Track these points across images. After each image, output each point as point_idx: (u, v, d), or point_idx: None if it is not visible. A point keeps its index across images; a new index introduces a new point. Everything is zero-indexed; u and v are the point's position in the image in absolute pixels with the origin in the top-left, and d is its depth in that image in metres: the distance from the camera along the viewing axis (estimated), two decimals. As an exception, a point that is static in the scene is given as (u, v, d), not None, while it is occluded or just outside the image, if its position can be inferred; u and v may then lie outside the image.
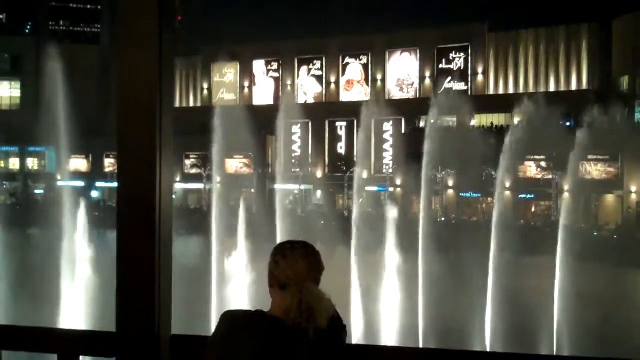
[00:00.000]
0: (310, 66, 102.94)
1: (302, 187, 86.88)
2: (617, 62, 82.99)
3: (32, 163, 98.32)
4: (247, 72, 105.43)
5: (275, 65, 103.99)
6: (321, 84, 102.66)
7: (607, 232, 66.82)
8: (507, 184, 75.21)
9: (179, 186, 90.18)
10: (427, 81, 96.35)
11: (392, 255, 34.53)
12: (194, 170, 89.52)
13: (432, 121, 50.30)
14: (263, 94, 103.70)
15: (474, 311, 31.08)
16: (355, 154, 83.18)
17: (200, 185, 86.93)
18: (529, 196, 76.21)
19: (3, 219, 38.46)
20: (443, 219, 74.31)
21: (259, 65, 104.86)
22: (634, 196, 72.80)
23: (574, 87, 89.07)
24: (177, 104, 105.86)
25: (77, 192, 37.74)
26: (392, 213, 37.12)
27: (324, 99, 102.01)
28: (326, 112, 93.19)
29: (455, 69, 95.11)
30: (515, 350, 25.19)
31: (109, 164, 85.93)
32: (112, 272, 4.07)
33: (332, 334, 3.59)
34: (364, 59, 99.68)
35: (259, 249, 32.96)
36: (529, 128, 76.35)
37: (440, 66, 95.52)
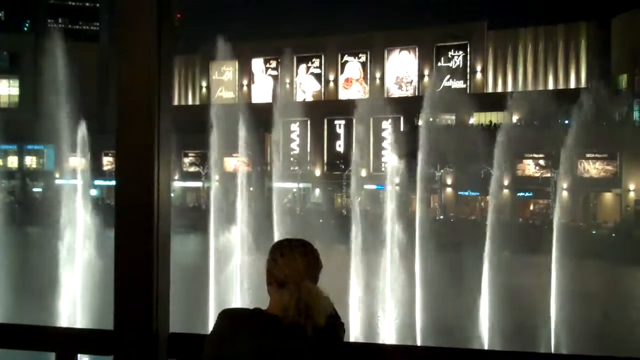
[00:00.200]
0: (309, 64, 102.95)
1: (301, 185, 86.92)
2: (615, 61, 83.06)
3: (30, 161, 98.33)
4: (245, 70, 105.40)
5: (274, 64, 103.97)
6: (320, 82, 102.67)
7: (605, 230, 66.93)
8: (506, 182, 75.35)
9: (177, 184, 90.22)
10: (426, 79, 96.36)
11: (389, 253, 34.54)
12: (192, 169, 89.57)
13: (430, 119, 50.26)
14: (262, 92, 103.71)
15: (472, 309, 31.11)
16: (353, 152, 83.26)
17: (198, 184, 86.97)
18: (527, 194, 76.30)
19: (2, 217, 38.40)
20: (442, 217, 74.39)
21: (257, 64, 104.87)
22: (632, 194, 72.89)
23: (572, 85, 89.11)
24: (175, 102, 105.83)
25: (76, 189, 37.63)
26: (390, 211, 37.10)
27: (322, 97, 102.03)
28: (325, 110, 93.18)
29: (454, 67, 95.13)
30: (514, 348, 25.20)
31: (108, 162, 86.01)
32: (110, 270, 4.06)
33: (330, 332, 3.59)
34: (363, 57, 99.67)
35: (257, 247, 32.98)
36: (528, 126, 76.57)
37: (439, 64, 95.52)
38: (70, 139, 39.52)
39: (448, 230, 53.64)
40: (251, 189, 43.82)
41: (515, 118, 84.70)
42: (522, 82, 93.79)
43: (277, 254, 3.64)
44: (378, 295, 32.72)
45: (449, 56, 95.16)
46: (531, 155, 76.12)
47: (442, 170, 76.52)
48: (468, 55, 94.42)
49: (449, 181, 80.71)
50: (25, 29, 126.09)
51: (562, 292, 31.70)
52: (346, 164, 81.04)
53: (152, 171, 3.99)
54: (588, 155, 73.72)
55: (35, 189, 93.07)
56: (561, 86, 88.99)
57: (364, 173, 64.56)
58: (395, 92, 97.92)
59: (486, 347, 28.41)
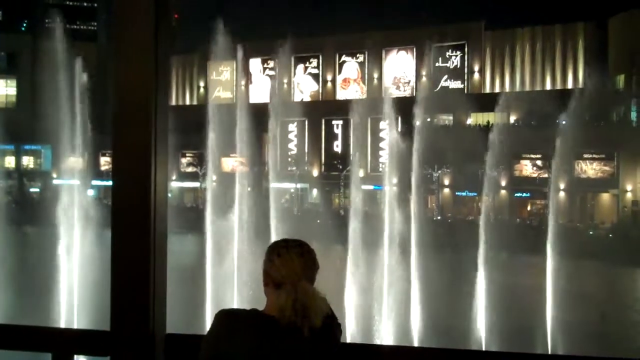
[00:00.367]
0: (307, 64, 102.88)
1: (299, 185, 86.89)
2: (613, 61, 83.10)
3: (27, 161, 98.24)
4: (243, 70, 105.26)
5: (271, 64, 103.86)
6: (318, 82, 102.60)
7: (602, 230, 67.01)
8: (503, 183, 75.41)
9: (175, 184, 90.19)
10: (424, 79, 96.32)
11: (386, 254, 34.54)
12: (190, 169, 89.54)
13: (428, 119, 50.31)
14: (260, 92, 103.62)
15: (469, 310, 31.12)
16: (351, 152, 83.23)
17: (196, 184, 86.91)
18: (524, 195, 76.39)
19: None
20: (439, 217, 74.41)
21: (255, 64, 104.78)
22: (629, 195, 72.98)
23: (570, 85, 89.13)
24: (173, 102, 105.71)
25: (73, 190, 37.62)
26: (387, 212, 37.11)
27: (320, 97, 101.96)
28: (322, 110, 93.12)
29: (451, 67, 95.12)
30: (510, 349, 25.21)
31: (105, 162, 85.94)
32: (107, 271, 4.06)
33: (326, 333, 3.59)
34: (361, 57, 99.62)
35: (255, 247, 32.97)
36: (525, 126, 76.65)
37: (437, 64, 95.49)
38: (68, 139, 39.48)
39: (445, 231, 53.62)
40: (249, 189, 43.79)
41: (512, 118, 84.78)
42: (520, 83, 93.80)
43: (273, 254, 3.64)
44: (375, 296, 32.71)
45: (447, 56, 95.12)
46: (528, 156, 76.22)
47: (439, 171, 76.58)
48: (465, 56, 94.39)
49: (446, 182, 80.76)
50: (23, 29, 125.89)
51: (559, 293, 31.73)
52: (344, 164, 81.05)
53: (149, 171, 3.99)
54: (585, 156, 73.85)
55: (32, 189, 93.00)
56: (559, 86, 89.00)
57: (361, 173, 64.46)
58: (393, 92, 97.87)
59: (483, 348, 28.42)
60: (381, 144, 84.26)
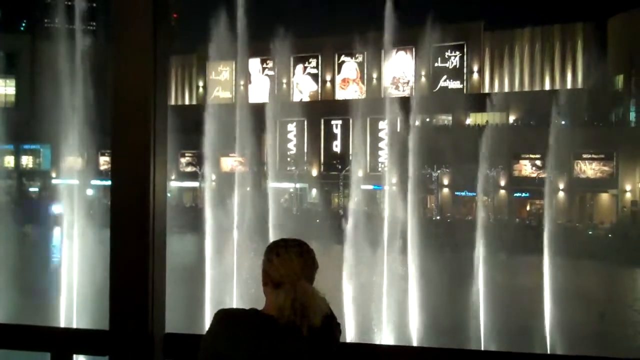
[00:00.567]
0: (306, 64, 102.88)
1: (298, 185, 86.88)
2: (612, 61, 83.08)
3: (27, 161, 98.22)
4: (242, 70, 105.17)
5: (270, 64, 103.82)
6: (317, 82, 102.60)
7: (601, 230, 67.04)
8: (502, 183, 75.43)
9: (174, 184, 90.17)
10: (423, 80, 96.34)
11: (386, 253, 34.54)
12: (189, 169, 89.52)
13: (427, 119, 50.36)
14: (259, 92, 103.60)
15: (468, 309, 31.13)
16: (350, 152, 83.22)
17: (195, 184, 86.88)
18: (524, 195, 76.39)
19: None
20: (438, 217, 74.42)
21: (254, 64, 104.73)
22: (628, 195, 73.01)
23: (569, 85, 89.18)
24: (172, 102, 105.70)
25: (72, 189, 37.62)
26: (386, 211, 37.13)
27: (319, 97, 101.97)
28: (322, 110, 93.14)
29: (450, 67, 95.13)
30: (509, 348, 25.22)
31: (104, 161, 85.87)
32: (105, 270, 4.06)
33: (326, 332, 3.58)
34: (360, 58, 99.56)
35: (254, 247, 32.96)
36: (524, 126, 76.68)
37: (436, 65, 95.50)
38: (67, 139, 39.45)
39: (444, 231, 53.61)
40: (248, 189, 43.81)
41: (512, 118, 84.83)
42: (519, 83, 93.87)
43: (272, 254, 3.64)
44: (373, 296, 32.72)
45: (446, 56, 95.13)
46: (528, 156, 76.22)
47: (438, 171, 76.57)
48: (465, 56, 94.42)
49: (445, 181, 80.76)
50: (22, 28, 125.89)
51: (558, 293, 31.74)
52: (343, 164, 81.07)
53: (147, 171, 3.99)
54: (584, 156, 73.88)
55: (31, 189, 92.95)
56: (558, 87, 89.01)
57: (360, 173, 64.48)
58: (392, 92, 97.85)
59: (482, 348, 28.43)
60: (380, 144, 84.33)
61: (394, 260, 33.99)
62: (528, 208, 77.60)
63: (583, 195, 74.35)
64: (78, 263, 31.62)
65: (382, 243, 34.99)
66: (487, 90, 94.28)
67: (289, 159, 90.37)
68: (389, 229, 35.52)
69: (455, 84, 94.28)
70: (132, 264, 3.97)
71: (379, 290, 32.91)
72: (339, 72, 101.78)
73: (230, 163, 76.19)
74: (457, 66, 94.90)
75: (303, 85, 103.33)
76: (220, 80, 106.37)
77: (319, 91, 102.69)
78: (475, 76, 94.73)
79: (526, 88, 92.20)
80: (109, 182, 4.12)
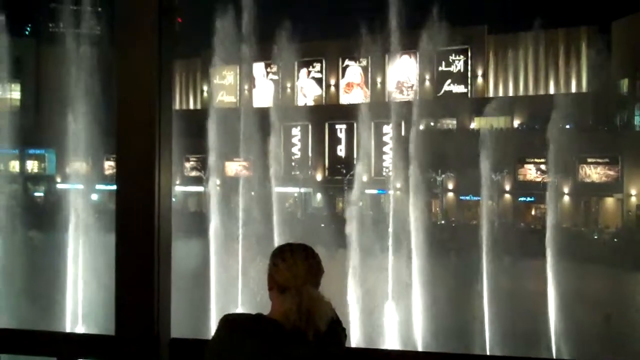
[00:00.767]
0: (310, 68, 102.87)
1: (302, 190, 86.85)
2: (616, 65, 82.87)
3: (32, 165, 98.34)
4: (247, 75, 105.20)
5: (274, 68, 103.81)
6: (321, 86, 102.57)
7: (607, 235, 66.84)
8: (507, 187, 75.31)
9: (179, 189, 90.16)
10: (427, 84, 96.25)
11: (391, 257, 34.52)
12: (194, 173, 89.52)
13: (432, 124, 50.37)
14: (263, 96, 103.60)
15: (474, 313, 31.08)
16: (355, 156, 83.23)
17: (200, 188, 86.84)
18: (528, 199, 76.19)
19: (3, 221, 38.44)
20: (443, 222, 74.31)
21: (258, 68, 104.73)
22: (633, 199, 72.77)
23: (573, 90, 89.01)
24: (176, 107, 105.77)
25: (77, 194, 37.70)
26: (391, 216, 37.11)
27: (323, 101, 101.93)
28: (326, 114, 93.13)
29: (455, 71, 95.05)
30: (515, 352, 25.18)
31: (109, 166, 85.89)
32: (111, 275, 4.05)
33: (331, 337, 3.58)
34: (364, 62, 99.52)
35: (258, 251, 32.96)
36: (529, 130, 76.54)
37: (440, 69, 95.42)
38: (72, 143, 39.54)
39: (449, 235, 53.56)
40: (252, 193, 43.83)
41: (516, 122, 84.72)
42: (523, 87, 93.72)
43: (278, 258, 3.64)
44: (378, 300, 32.69)
45: (450, 61, 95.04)
46: (532, 160, 76.03)
47: (443, 175, 76.46)
48: (469, 60, 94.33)
49: (450, 186, 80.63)
50: (27, 33, 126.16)
51: (564, 296, 31.67)
52: (347, 168, 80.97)
53: (152, 176, 3.98)
54: (589, 160, 73.71)
55: (36, 193, 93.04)
56: (562, 91, 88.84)
57: (365, 178, 64.47)
58: (396, 96, 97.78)
59: (488, 352, 28.37)
60: (384, 148, 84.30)
61: (399, 264, 33.95)
62: (533, 212, 77.38)
63: (588, 199, 74.17)
64: (82, 267, 31.66)
65: (387, 247, 34.97)
66: (491, 94, 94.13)
67: (293, 164, 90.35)
68: (394, 234, 35.50)
69: (459, 88, 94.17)
70: (138, 268, 3.97)
71: (384, 295, 32.89)
72: (343, 76, 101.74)
73: (235, 168, 76.26)
74: (462, 70, 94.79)
75: (307, 89, 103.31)
76: (224, 85, 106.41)
77: (323, 95, 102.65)
78: (480, 80, 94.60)
79: (530, 92, 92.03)
80: (113, 187, 4.12)
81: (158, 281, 3.98)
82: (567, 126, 66.24)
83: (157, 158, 4.00)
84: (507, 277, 33.53)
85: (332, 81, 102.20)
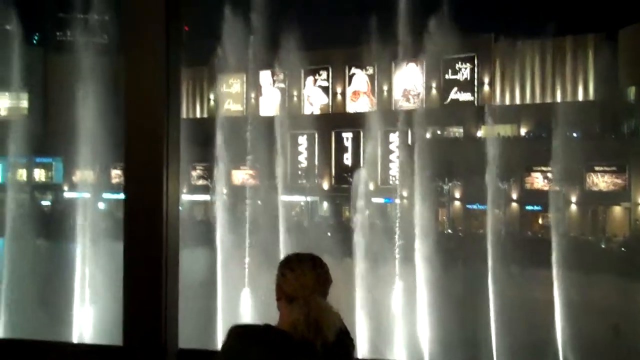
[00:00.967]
0: (317, 77, 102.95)
1: (309, 198, 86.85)
2: (624, 73, 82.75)
3: (39, 174, 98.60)
4: (253, 83, 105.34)
5: (281, 76, 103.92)
6: (327, 94, 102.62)
7: (614, 244, 66.59)
8: (514, 196, 75.14)
9: (185, 198, 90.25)
10: (434, 92, 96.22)
11: (397, 267, 34.45)
12: (200, 182, 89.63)
13: (438, 132, 50.35)
14: (270, 104, 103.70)
15: (481, 323, 30.95)
16: (361, 165, 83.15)
17: (207, 197, 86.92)
18: (536, 207, 75.97)
19: (11, 230, 38.55)
20: (450, 230, 74.17)
21: (265, 76, 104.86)
22: (641, 208, 72.54)
23: (580, 97, 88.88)
24: (183, 115, 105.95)
25: (84, 203, 37.79)
26: (398, 225, 37.06)
27: (330, 109, 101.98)
28: (333, 122, 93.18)
29: (461, 79, 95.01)
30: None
31: (116, 175, 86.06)
32: (119, 285, 4.04)
33: (339, 348, 3.55)
34: (370, 70, 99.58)
35: (265, 260, 32.92)
36: (536, 138, 76.42)
37: (447, 77, 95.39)
38: (79, 152, 39.64)
39: (456, 244, 53.43)
40: (259, 202, 43.87)
41: (523, 131, 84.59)
42: (530, 95, 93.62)
43: (286, 268, 3.61)
44: (386, 310, 32.60)
45: (457, 68, 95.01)
46: (539, 168, 75.85)
47: (450, 184, 76.36)
48: (475, 68, 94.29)
49: (457, 194, 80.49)
50: (35, 42, 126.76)
51: (571, 306, 31.53)
52: (354, 176, 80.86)
53: (160, 184, 3.97)
54: (597, 169, 73.51)
55: (43, 202, 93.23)
56: (569, 98, 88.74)
57: (371, 186, 64.44)
58: (402, 104, 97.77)
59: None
60: (391, 157, 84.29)
61: (405, 273, 33.87)
62: (540, 221, 77.14)
63: (595, 208, 73.93)
64: (89, 276, 31.68)
65: (394, 256, 34.91)
66: (498, 102, 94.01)
67: (299, 172, 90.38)
68: (400, 242, 35.44)
69: (466, 96, 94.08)
70: (146, 277, 3.95)
71: (390, 304, 32.80)
72: (349, 84, 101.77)
73: (242, 176, 76.36)
74: (468, 78, 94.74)
75: (314, 97, 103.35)
76: (231, 93, 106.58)
77: (330, 104, 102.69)
78: (486, 88, 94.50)
79: (537, 100, 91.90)
80: (121, 196, 4.10)
81: (166, 291, 3.96)
82: (574, 134, 66.15)
83: (164, 166, 3.99)
84: (514, 286, 33.38)
85: (339, 89, 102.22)
